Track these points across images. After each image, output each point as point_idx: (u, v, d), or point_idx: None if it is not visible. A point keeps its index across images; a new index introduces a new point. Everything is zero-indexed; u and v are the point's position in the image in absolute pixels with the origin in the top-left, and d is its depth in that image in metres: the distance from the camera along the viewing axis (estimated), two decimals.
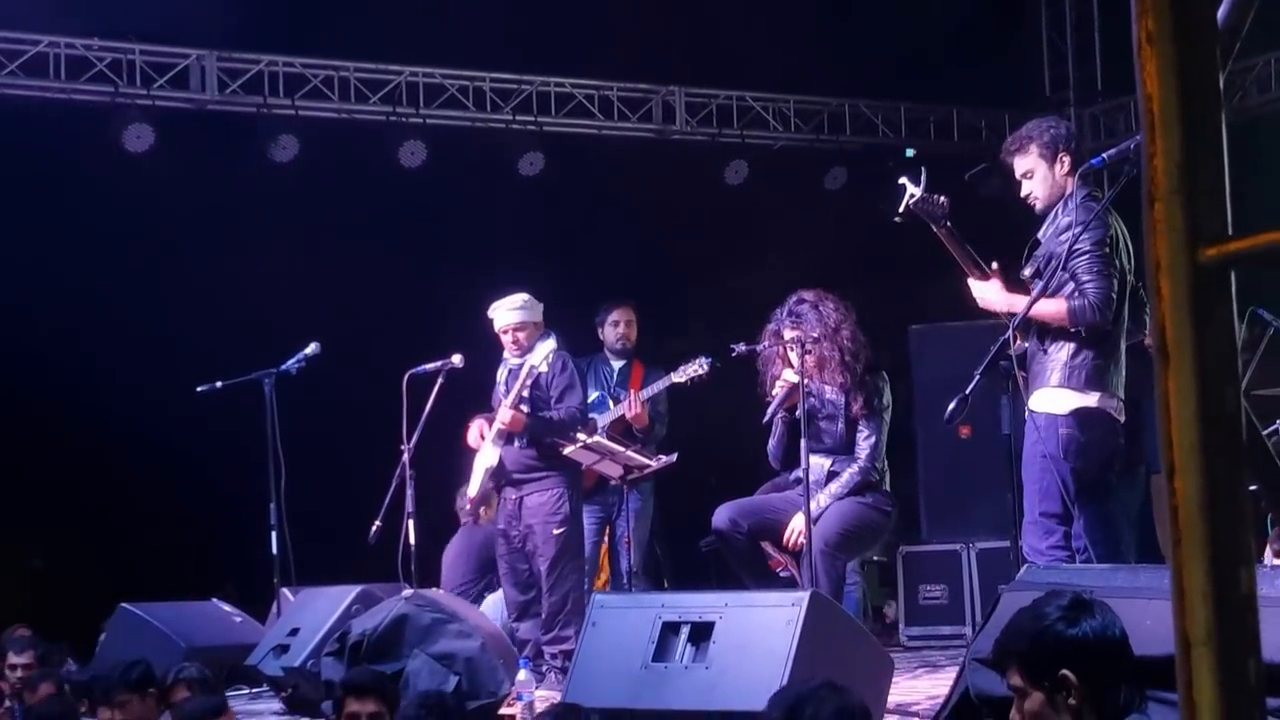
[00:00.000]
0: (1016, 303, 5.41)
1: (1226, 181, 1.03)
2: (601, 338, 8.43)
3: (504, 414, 7.02)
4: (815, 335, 6.28)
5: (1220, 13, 1.13)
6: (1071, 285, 5.24)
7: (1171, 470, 1.05)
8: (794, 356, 6.29)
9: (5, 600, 10.00)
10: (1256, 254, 1.03)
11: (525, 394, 7.14)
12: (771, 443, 6.54)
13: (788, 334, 6.34)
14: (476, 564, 8.38)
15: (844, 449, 6.38)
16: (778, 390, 6.36)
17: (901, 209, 5.50)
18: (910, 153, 11.63)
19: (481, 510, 8.57)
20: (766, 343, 6.40)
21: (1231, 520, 1.04)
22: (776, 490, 6.59)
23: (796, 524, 6.22)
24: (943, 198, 5.48)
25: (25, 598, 10.47)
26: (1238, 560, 1.05)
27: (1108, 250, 5.25)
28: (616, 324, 8.36)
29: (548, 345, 7.10)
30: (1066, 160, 5.42)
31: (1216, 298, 1.04)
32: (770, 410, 6.35)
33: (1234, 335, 1.03)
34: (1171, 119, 1.04)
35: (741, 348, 6.52)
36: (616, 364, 8.37)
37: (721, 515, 6.33)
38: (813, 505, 6.12)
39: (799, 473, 6.25)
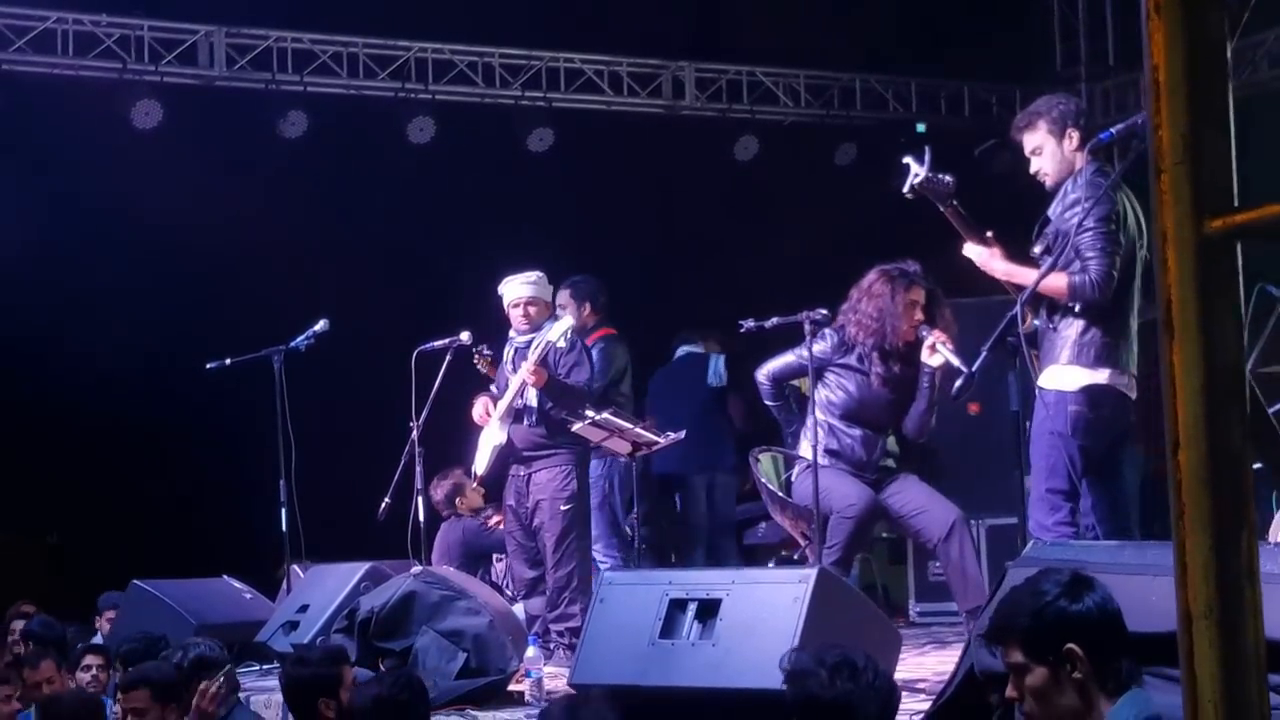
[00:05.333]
0: (1015, 270, 5.40)
1: (1233, 153, 1.02)
2: None
3: (526, 370, 6.94)
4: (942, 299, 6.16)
5: None
6: (1077, 262, 5.23)
7: (1176, 444, 1.05)
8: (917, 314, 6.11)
9: (20, 575, 10.05)
10: (1262, 226, 1.02)
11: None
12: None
13: (918, 294, 6.14)
14: (462, 560, 8.38)
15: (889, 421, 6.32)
16: (936, 361, 6.07)
17: (906, 189, 5.47)
18: (921, 128, 11.58)
19: (458, 501, 8.58)
20: (868, 299, 6.15)
21: (1235, 496, 1.03)
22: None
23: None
24: (948, 177, 5.45)
25: (40, 572, 10.55)
26: (1240, 536, 1.04)
27: (1113, 227, 5.23)
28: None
29: (566, 322, 7.07)
30: (1075, 136, 5.39)
31: (1223, 269, 1.03)
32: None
33: (1240, 308, 1.01)
34: (1178, 89, 1.03)
35: (750, 324, 6.48)
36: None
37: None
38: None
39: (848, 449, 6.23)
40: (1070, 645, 2.88)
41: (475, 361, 7.17)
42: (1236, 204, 1.03)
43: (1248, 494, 1.06)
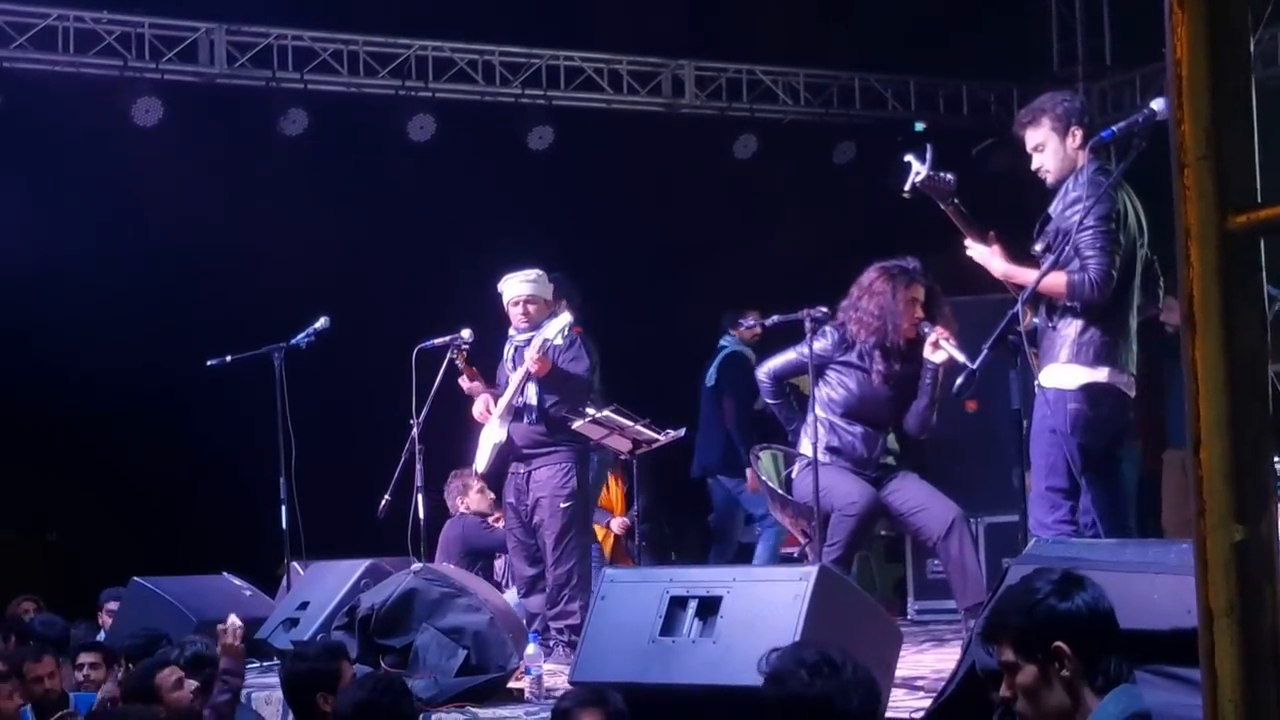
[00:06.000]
0: (1014, 269, 5.40)
1: (1256, 149, 1.02)
2: None
3: (530, 359, 6.93)
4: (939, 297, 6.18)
5: None
6: (1077, 260, 5.23)
7: (1197, 441, 1.04)
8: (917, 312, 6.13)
9: (20, 573, 10.05)
10: None
11: None
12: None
13: (919, 292, 6.16)
14: (461, 557, 8.38)
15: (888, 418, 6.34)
16: (939, 357, 6.08)
17: (908, 187, 5.46)
18: (920, 126, 11.60)
19: (457, 499, 8.58)
20: (869, 296, 6.16)
21: (1256, 492, 1.03)
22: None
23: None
24: (949, 175, 5.44)
25: (39, 570, 10.54)
26: (1261, 532, 1.04)
27: (1112, 226, 5.22)
28: None
29: (564, 319, 7.07)
30: (1078, 134, 5.38)
31: (1245, 265, 1.02)
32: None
33: (1264, 304, 1.01)
34: (1200, 84, 1.03)
35: (750, 321, 6.48)
36: None
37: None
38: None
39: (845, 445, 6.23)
40: (1058, 643, 2.90)
41: (454, 356, 7.17)
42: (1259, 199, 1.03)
43: (1269, 490, 1.06)
